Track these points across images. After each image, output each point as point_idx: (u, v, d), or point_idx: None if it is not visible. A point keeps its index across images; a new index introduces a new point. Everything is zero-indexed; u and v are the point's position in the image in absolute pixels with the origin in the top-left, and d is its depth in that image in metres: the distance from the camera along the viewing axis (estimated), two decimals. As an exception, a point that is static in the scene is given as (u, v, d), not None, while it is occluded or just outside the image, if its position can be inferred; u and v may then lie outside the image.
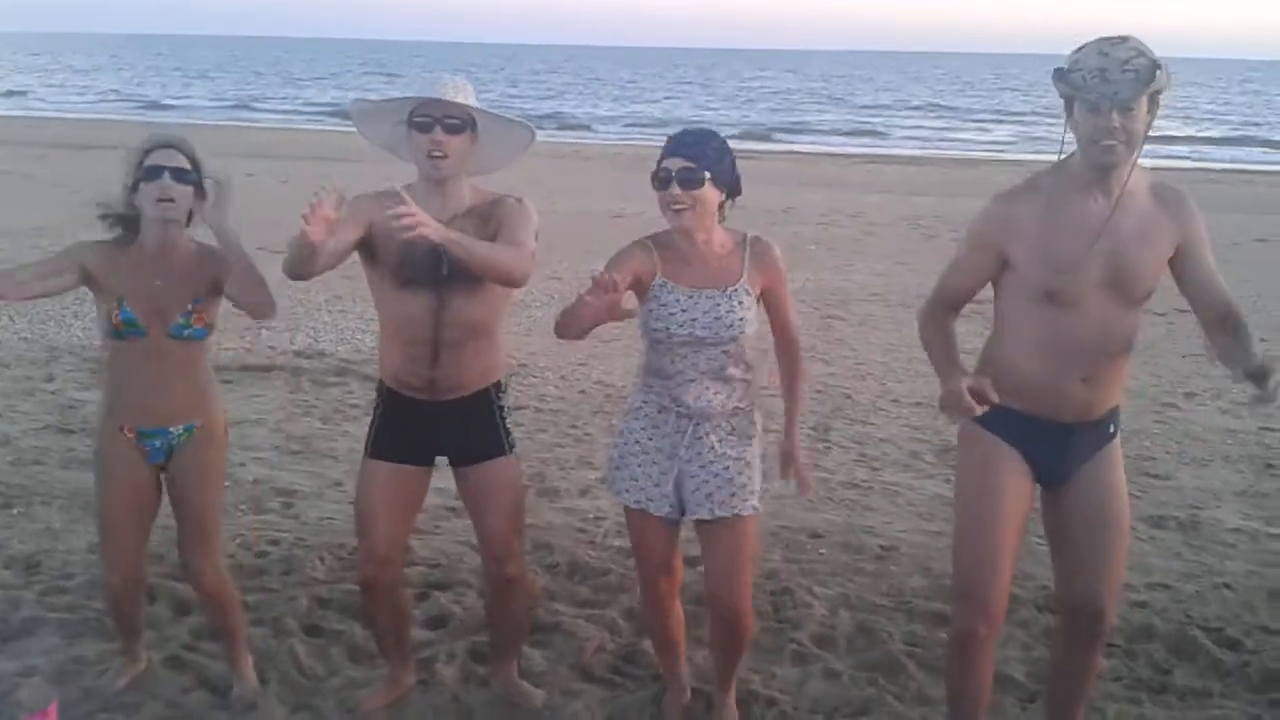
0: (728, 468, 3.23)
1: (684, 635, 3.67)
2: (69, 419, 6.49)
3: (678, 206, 3.09)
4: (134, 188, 3.31)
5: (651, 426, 3.29)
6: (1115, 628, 3.18)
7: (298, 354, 8.13)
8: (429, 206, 3.13)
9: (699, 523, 3.29)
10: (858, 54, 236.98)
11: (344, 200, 2.96)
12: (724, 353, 3.19)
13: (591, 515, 5.30)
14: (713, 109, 47.83)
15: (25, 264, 3.45)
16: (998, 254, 2.98)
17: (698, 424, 3.23)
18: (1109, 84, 2.72)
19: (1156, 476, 5.96)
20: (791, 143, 31.73)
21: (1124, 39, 2.77)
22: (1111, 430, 3.08)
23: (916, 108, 51.38)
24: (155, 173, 3.25)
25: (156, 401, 3.39)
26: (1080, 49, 2.80)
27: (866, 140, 34.58)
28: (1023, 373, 3.02)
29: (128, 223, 3.38)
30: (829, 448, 6.36)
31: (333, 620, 4.16)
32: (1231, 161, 27.98)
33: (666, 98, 56.85)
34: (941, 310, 3.16)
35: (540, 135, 3.48)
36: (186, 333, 3.35)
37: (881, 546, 4.98)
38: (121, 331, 3.33)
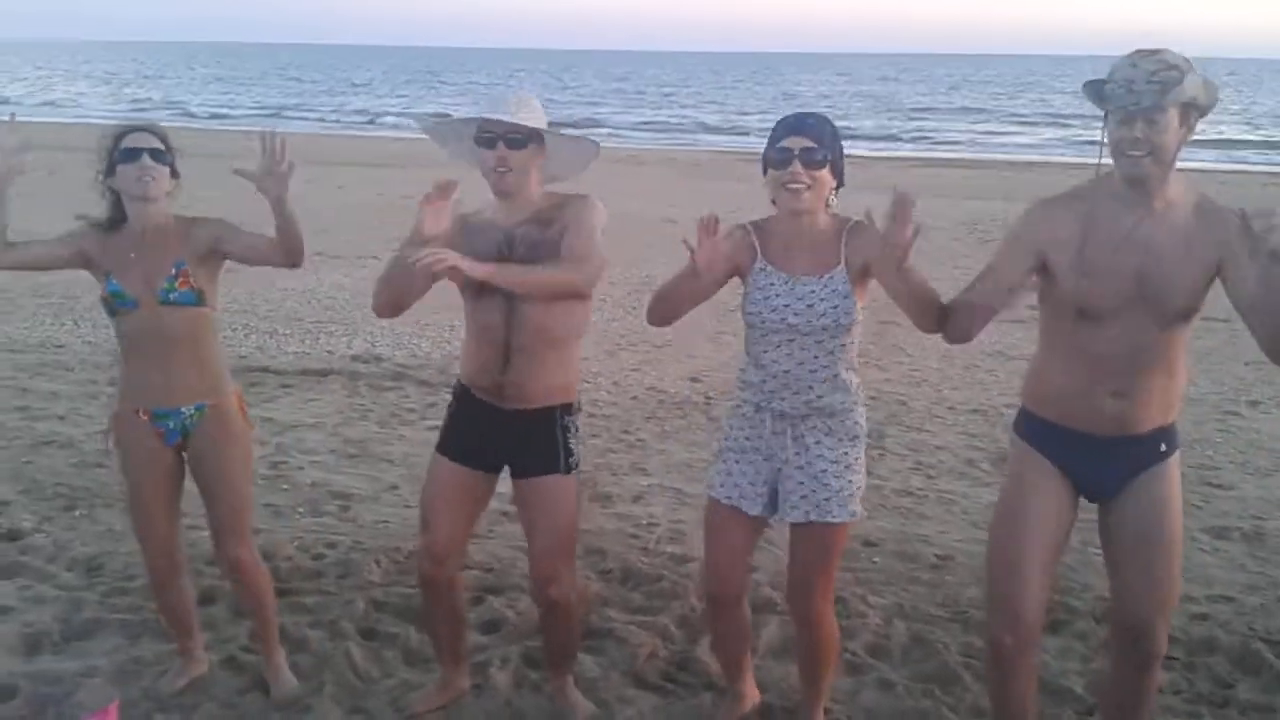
0: (825, 470, 3.16)
1: (749, 640, 3.63)
2: (131, 422, 6.58)
3: (796, 185, 3.02)
4: (110, 172, 3.40)
5: (749, 426, 3.24)
6: (1163, 653, 3.08)
7: (354, 358, 8.20)
8: (493, 217, 3.31)
9: (792, 526, 3.24)
10: (906, 56, 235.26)
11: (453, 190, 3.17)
12: (817, 343, 3.11)
13: (644, 521, 5.30)
14: (758, 113, 47.55)
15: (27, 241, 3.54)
16: (1037, 256, 2.94)
17: (795, 424, 3.17)
18: (1133, 95, 2.71)
19: (1219, 486, 5.85)
20: (845, 146, 31.51)
21: (1156, 51, 2.75)
22: (1164, 448, 2.99)
23: (969, 110, 50.92)
24: (133, 154, 3.36)
25: (165, 381, 3.45)
26: (1116, 62, 2.79)
27: (920, 143, 34.32)
28: (1057, 385, 3.01)
29: (113, 213, 3.47)
30: (883, 454, 6.31)
31: (388, 623, 4.20)
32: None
33: (707, 102, 56.64)
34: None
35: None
36: (173, 296, 3.39)
37: (937, 556, 4.94)
38: (112, 305, 3.42)
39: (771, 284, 3.11)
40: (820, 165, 3.03)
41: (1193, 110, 2.77)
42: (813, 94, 65.23)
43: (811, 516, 3.17)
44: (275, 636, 3.78)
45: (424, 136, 3.58)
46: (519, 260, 3.22)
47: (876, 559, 4.89)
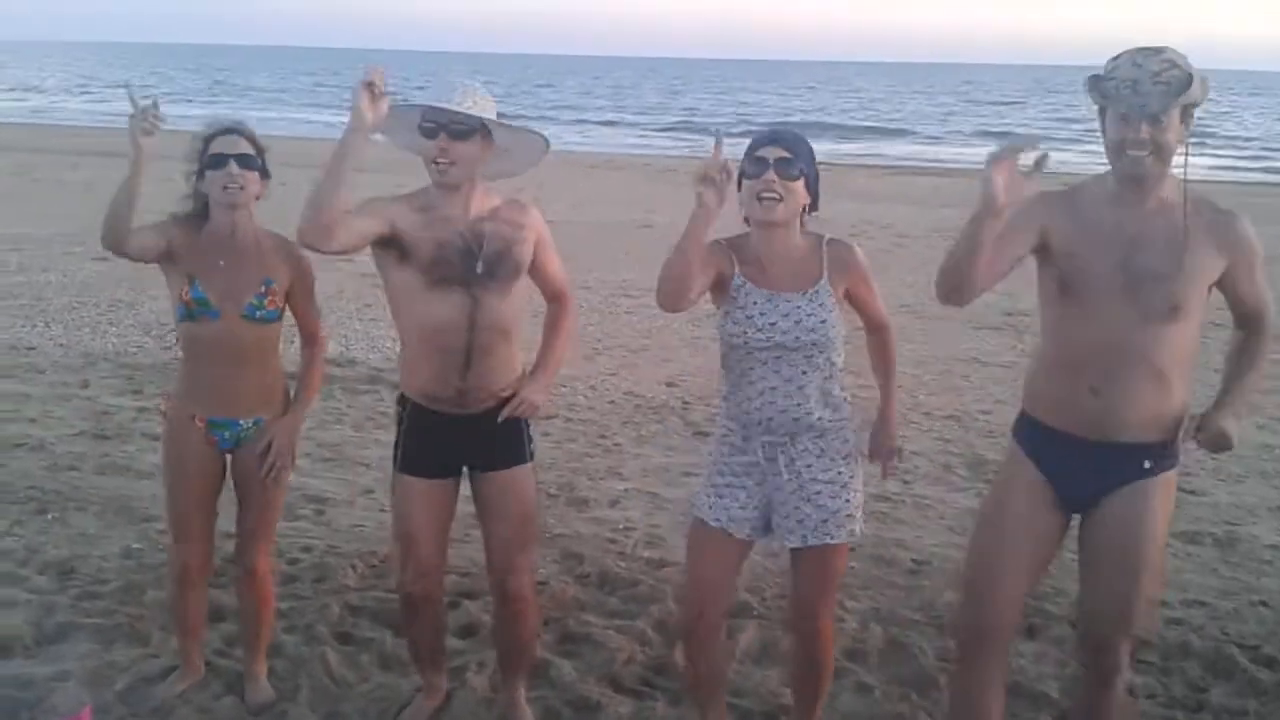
0: (819, 492, 3.10)
1: (727, 668, 3.50)
2: (104, 425, 6.54)
3: (769, 195, 2.96)
4: (200, 175, 3.38)
5: (738, 452, 3.14)
6: (1123, 668, 3.07)
7: (329, 361, 8.06)
8: (447, 210, 3.19)
9: (791, 551, 3.18)
10: (877, 66, 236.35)
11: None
12: (806, 359, 3.06)
13: (621, 526, 5.30)
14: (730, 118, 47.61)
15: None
16: (1040, 231, 2.86)
17: (784, 446, 3.10)
18: (1139, 95, 2.68)
19: (1192, 492, 5.88)
20: (821, 154, 31.55)
21: (1159, 50, 2.72)
22: (1148, 465, 2.94)
23: (946, 119, 51.18)
24: (220, 161, 3.33)
25: (229, 391, 3.46)
26: (1116, 58, 2.76)
27: (897, 151, 34.43)
28: (1044, 381, 3.02)
29: (198, 211, 3.44)
30: (859, 460, 6.31)
31: (364, 628, 4.18)
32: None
33: (683, 108, 56.70)
34: None
35: (564, 145, 3.48)
36: (259, 314, 3.40)
37: (913, 560, 4.95)
38: (193, 311, 3.38)
39: (754, 302, 3.04)
40: (795, 177, 2.99)
41: (1192, 109, 2.76)
42: (783, 106, 65.38)
43: (810, 540, 3.11)
44: (264, 647, 3.77)
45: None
46: (488, 257, 3.17)
47: (853, 563, 4.87)
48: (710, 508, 3.17)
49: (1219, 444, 2.89)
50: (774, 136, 3.03)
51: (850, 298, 3.17)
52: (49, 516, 5.20)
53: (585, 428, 6.84)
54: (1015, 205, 2.69)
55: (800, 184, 3.01)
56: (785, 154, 2.98)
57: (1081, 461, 2.95)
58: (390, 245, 3.18)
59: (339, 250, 3.05)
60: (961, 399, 7.61)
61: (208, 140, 3.37)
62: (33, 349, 8.26)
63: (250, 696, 3.68)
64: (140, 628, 4.07)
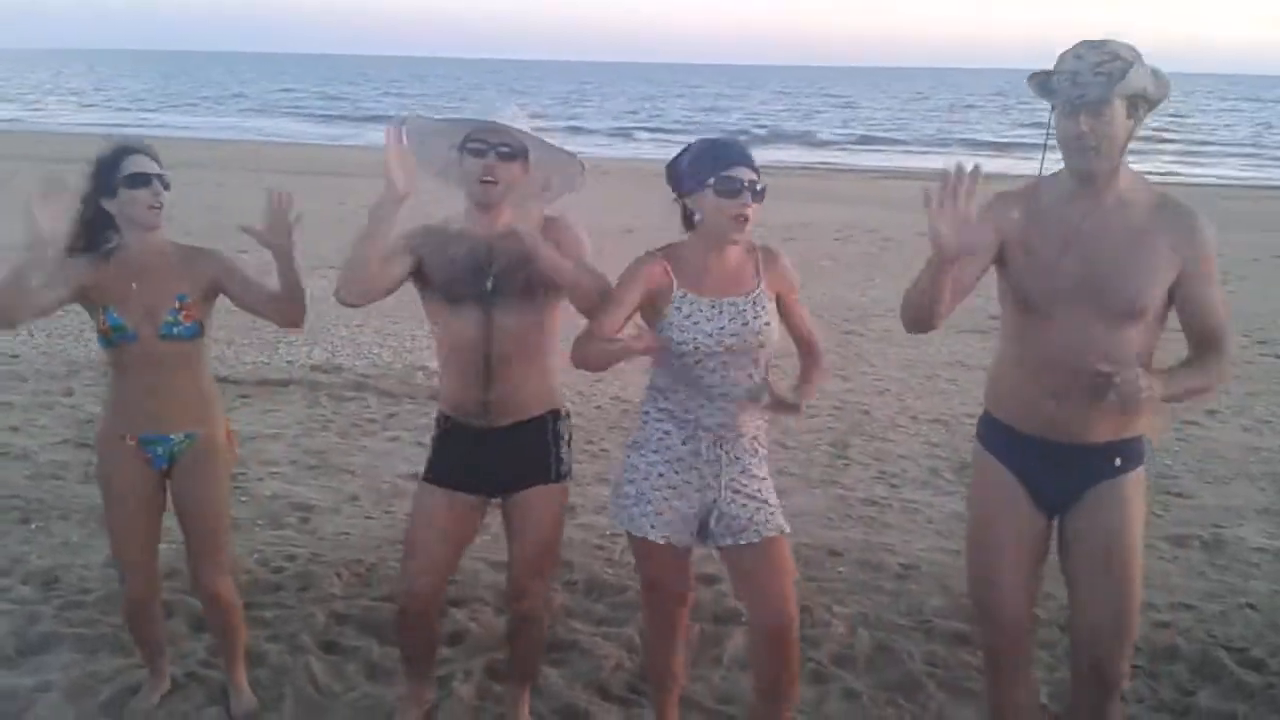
0: (759, 489, 3.14)
1: (683, 672, 3.53)
2: (87, 433, 6.47)
3: (745, 218, 2.99)
4: (110, 194, 3.27)
5: (676, 459, 3.13)
6: (1122, 681, 3.05)
7: (315, 368, 8.13)
8: (473, 229, 3.25)
9: (736, 549, 3.15)
10: (857, 70, 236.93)
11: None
12: (753, 361, 3.09)
13: (608, 532, 5.26)
14: (715, 122, 47.71)
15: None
16: (996, 242, 2.85)
17: (730, 447, 3.12)
18: (1078, 87, 2.65)
19: (1179, 495, 5.90)
20: (806, 158, 31.65)
21: (1102, 42, 2.70)
22: (1118, 463, 2.91)
23: (928, 123, 51.29)
24: (142, 180, 3.25)
25: (157, 408, 3.39)
26: (1062, 53, 2.73)
27: (881, 155, 34.52)
28: (1007, 385, 2.99)
29: (97, 233, 3.32)
30: (848, 464, 6.32)
31: (349, 637, 4.15)
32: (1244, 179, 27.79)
33: (682, 112, 56.74)
34: None
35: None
36: (176, 330, 3.33)
37: (901, 565, 4.94)
38: (111, 338, 3.32)
39: (698, 309, 3.05)
40: (762, 199, 3.01)
41: (1141, 102, 2.71)
42: (767, 108, 65.47)
43: (764, 533, 3.13)
44: (241, 659, 3.74)
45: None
46: (498, 274, 3.19)
47: (841, 568, 4.90)
48: (654, 526, 3.14)
49: (1130, 387, 2.60)
50: (746, 156, 3.02)
51: (779, 305, 3.17)
52: (32, 526, 5.16)
53: (572, 433, 6.80)
54: (971, 243, 2.68)
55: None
56: (757, 177, 3.00)
57: (1051, 464, 2.93)
58: (416, 277, 3.29)
59: (379, 298, 3.27)
60: (948, 402, 7.61)
61: (118, 158, 3.27)
62: (16, 357, 8.20)
63: (234, 706, 3.65)
64: (123, 638, 4.03)
